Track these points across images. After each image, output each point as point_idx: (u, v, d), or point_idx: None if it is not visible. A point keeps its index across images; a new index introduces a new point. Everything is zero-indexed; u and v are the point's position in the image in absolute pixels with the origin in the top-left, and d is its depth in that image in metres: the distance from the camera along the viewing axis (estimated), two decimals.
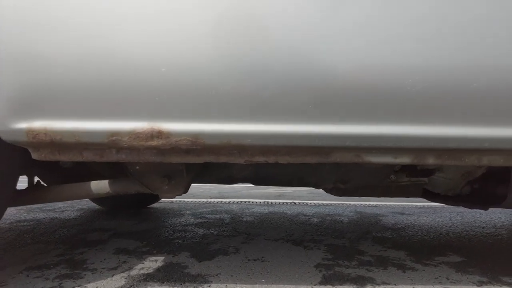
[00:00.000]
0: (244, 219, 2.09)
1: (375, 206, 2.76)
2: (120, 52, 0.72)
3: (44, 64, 0.73)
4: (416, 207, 2.75)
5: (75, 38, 0.72)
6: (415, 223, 2.04)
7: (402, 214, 2.39)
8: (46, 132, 0.74)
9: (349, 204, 2.84)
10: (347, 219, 2.14)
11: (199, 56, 0.71)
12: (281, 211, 2.39)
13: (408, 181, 1.56)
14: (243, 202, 2.87)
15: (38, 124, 0.74)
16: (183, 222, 1.96)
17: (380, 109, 0.74)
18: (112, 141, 0.74)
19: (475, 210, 2.52)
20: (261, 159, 0.79)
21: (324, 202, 2.95)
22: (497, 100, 0.74)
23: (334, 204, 2.83)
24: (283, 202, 2.88)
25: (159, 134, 0.73)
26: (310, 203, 2.87)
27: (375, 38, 0.72)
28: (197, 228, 1.80)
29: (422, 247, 1.51)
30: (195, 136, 0.73)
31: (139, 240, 1.56)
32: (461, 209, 2.63)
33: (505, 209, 2.55)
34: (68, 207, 2.45)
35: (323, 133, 0.74)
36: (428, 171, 1.46)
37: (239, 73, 0.72)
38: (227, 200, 2.98)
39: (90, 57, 0.72)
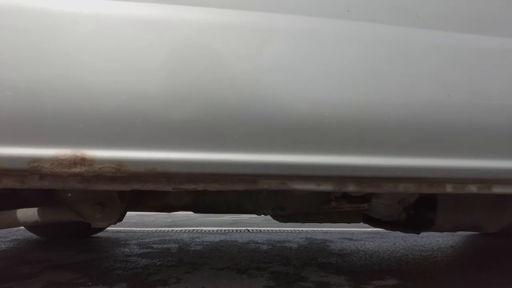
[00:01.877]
0: (193, 248, 2.04)
1: (326, 232, 2.81)
2: (42, 77, 0.72)
3: None
4: (365, 232, 2.84)
5: None
6: (361, 248, 2.11)
7: (350, 239, 2.46)
8: None
9: (301, 230, 2.88)
10: (296, 246, 2.16)
11: (124, 83, 0.73)
12: (233, 239, 2.37)
13: (349, 207, 1.63)
14: (195, 230, 2.81)
15: None
16: (126, 252, 1.89)
17: (300, 139, 0.78)
18: (33, 168, 0.72)
19: (417, 235, 2.64)
20: (189, 186, 0.80)
21: (277, 229, 2.96)
22: (405, 133, 0.81)
23: (286, 230, 2.85)
24: (236, 230, 2.85)
25: (82, 161, 0.72)
26: (263, 230, 2.88)
27: (295, 75, 0.77)
28: (140, 259, 1.74)
29: (363, 272, 1.56)
30: (120, 163, 0.73)
31: (76, 272, 1.48)
32: (404, 234, 2.75)
33: (443, 233, 2.70)
34: (0, 237, 2.27)
35: (248, 162, 0.77)
36: (366, 197, 1.53)
37: (164, 100, 0.74)
38: (179, 228, 2.91)
39: (8, 80, 0.71)
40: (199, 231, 2.79)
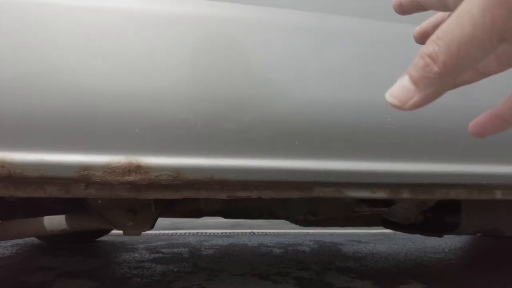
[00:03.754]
0: (204, 252, 2.00)
1: (332, 234, 2.80)
2: (96, 79, 0.67)
3: (1, 86, 0.65)
4: (371, 234, 2.84)
5: (39, 58, 0.66)
6: (374, 251, 2.10)
7: (360, 242, 2.45)
8: (3, 164, 0.65)
9: (307, 232, 2.86)
10: (308, 249, 2.14)
11: (183, 87, 0.68)
12: (242, 243, 2.33)
13: (369, 211, 1.62)
14: (199, 233, 2.76)
15: None
16: (138, 258, 1.82)
17: (361, 145, 0.76)
18: (83, 176, 0.67)
19: (424, 236, 2.66)
20: (243, 194, 0.77)
21: (282, 231, 2.94)
22: (463, 139, 0.80)
23: (292, 233, 2.83)
24: (241, 232, 2.82)
25: (138, 168, 0.68)
26: (269, 232, 2.85)
27: (349, 78, 0.75)
28: (154, 264, 1.68)
29: (384, 276, 1.55)
30: (177, 171, 0.69)
31: (90, 279, 1.41)
32: (411, 235, 2.76)
33: (450, 235, 2.72)
34: (1, 242, 2.17)
35: (307, 169, 0.73)
36: (389, 202, 1.52)
37: (226, 105, 0.70)
38: (182, 231, 2.85)
39: (58, 82, 0.66)
40: (204, 234, 2.74)
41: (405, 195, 0.85)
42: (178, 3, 0.72)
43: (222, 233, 2.79)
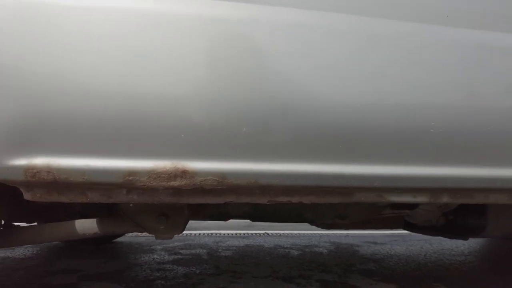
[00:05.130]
0: (222, 254, 1.99)
1: (347, 235, 2.79)
2: (141, 83, 0.66)
3: (49, 92, 0.65)
4: (385, 235, 2.82)
5: (86, 65, 0.66)
6: (392, 253, 2.09)
7: (375, 243, 2.44)
8: (49, 170, 0.65)
9: (321, 233, 2.85)
10: (326, 251, 2.13)
11: (229, 92, 0.68)
12: (258, 244, 2.33)
13: (391, 213, 1.60)
14: (214, 234, 2.76)
15: (40, 160, 0.65)
16: (157, 259, 1.82)
17: (405, 150, 0.74)
18: (128, 181, 0.67)
19: (441, 238, 2.64)
20: (284, 199, 0.76)
21: (296, 232, 2.93)
22: (506, 143, 0.78)
23: (307, 234, 2.82)
24: (256, 233, 2.81)
25: (183, 173, 0.67)
26: (284, 233, 2.84)
27: (402, 81, 0.73)
28: (175, 266, 1.68)
29: (407, 279, 1.53)
30: (222, 176, 0.68)
31: (116, 282, 1.41)
32: (427, 236, 2.74)
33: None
34: None
35: (352, 174, 0.72)
36: (413, 204, 1.50)
37: (269, 111, 0.69)
38: (197, 232, 2.84)
39: (104, 87, 0.66)
40: (219, 234, 2.73)
41: (445, 199, 0.83)
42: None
43: (236, 234, 2.79)
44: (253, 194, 0.75)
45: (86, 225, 1.01)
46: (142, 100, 0.66)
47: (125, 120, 0.66)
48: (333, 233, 2.86)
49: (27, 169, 0.65)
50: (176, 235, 1.01)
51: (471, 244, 2.40)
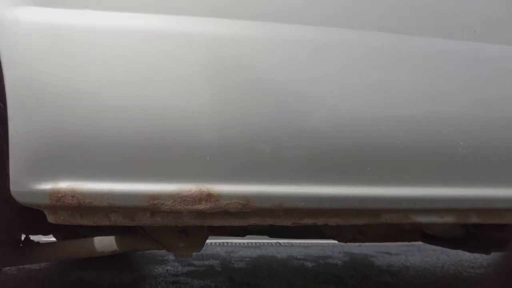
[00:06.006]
0: (236, 265, 1.98)
1: (360, 245, 2.75)
2: (163, 107, 0.66)
3: (73, 117, 0.64)
4: (399, 245, 2.78)
5: (109, 89, 0.65)
6: (408, 264, 2.05)
7: (390, 254, 2.40)
8: (74, 194, 0.65)
9: (334, 243, 2.81)
10: (340, 262, 2.10)
11: (252, 118, 0.67)
12: (270, 254, 2.31)
13: (411, 226, 1.57)
14: (225, 243, 2.74)
15: (65, 185, 0.65)
16: (171, 271, 1.81)
17: (433, 170, 0.73)
18: (152, 205, 0.66)
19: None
20: (309, 221, 0.74)
21: (308, 241, 2.90)
22: None
23: (320, 244, 2.79)
24: (268, 243, 2.79)
25: (208, 197, 0.66)
26: (296, 243, 2.81)
27: (430, 101, 0.72)
28: (190, 279, 1.67)
29: None
30: (247, 199, 0.67)
31: None
32: (443, 247, 2.69)
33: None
34: None
35: (380, 195, 0.71)
36: None
37: (294, 133, 0.68)
38: (208, 241, 2.83)
39: (127, 111, 0.65)
40: (230, 243, 2.72)
41: (474, 219, 0.81)
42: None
43: (248, 243, 2.77)
44: (277, 216, 0.74)
45: (105, 243, 1.01)
46: (166, 123, 0.65)
47: (149, 144, 0.65)
48: (345, 244, 2.83)
49: (52, 194, 0.64)
50: (195, 252, 1.00)
51: (489, 256, 2.35)
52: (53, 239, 1.69)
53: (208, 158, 0.66)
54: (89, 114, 0.64)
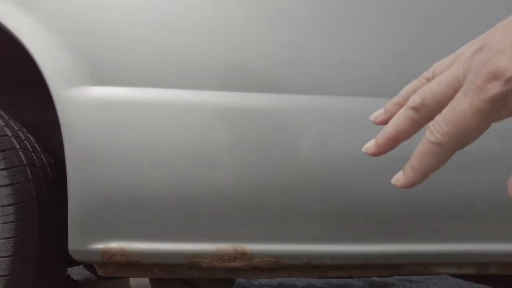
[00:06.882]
0: None
1: None
2: (202, 174, 0.73)
3: (122, 184, 0.73)
4: None
5: (155, 156, 0.73)
6: None
7: (411, 281, 2.38)
8: (123, 253, 0.72)
9: None
10: None
11: (282, 181, 0.74)
12: (290, 283, 2.33)
13: None
14: None
15: (115, 245, 0.72)
16: None
17: (452, 227, 0.77)
18: (192, 262, 0.73)
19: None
20: (334, 274, 0.80)
21: None
22: None
23: None
24: None
25: (242, 255, 0.73)
26: None
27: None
28: None
29: None
30: (277, 257, 0.74)
31: None
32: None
33: None
34: None
35: (401, 252, 0.76)
36: None
37: (320, 191, 0.74)
38: None
39: (172, 180, 0.73)
40: None
41: (493, 271, 0.85)
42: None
43: None
44: (304, 271, 0.79)
45: (140, 284, 1.08)
46: (205, 190, 0.72)
47: (190, 208, 0.72)
48: None
49: (104, 253, 0.72)
50: None
51: None
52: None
53: (241, 220, 0.73)
54: (137, 183, 0.72)
